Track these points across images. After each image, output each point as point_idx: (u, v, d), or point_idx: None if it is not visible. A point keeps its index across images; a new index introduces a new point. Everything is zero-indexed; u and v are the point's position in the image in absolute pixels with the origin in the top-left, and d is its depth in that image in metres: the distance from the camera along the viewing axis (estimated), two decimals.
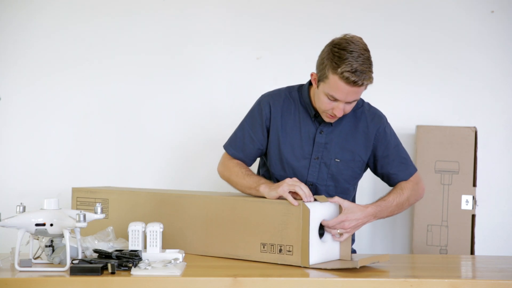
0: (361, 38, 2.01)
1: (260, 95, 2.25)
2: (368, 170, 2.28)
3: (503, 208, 2.98)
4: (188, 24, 3.02)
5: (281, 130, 2.17)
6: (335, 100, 2.01)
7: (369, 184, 2.95)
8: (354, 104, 2.06)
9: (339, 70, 1.94)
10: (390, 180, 2.21)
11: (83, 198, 2.11)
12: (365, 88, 2.03)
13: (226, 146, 2.25)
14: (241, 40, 3.03)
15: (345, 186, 2.19)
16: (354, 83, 1.94)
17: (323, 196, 1.91)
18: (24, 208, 1.79)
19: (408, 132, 2.93)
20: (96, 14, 3.00)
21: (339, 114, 2.04)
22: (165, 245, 2.00)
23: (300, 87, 2.23)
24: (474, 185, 2.79)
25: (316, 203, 1.86)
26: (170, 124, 3.02)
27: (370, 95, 2.32)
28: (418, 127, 2.86)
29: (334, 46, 1.98)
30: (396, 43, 3.02)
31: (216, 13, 3.03)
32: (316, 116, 2.16)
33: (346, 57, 1.94)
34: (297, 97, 2.20)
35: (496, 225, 2.96)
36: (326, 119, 2.11)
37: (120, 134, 3.02)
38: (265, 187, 1.96)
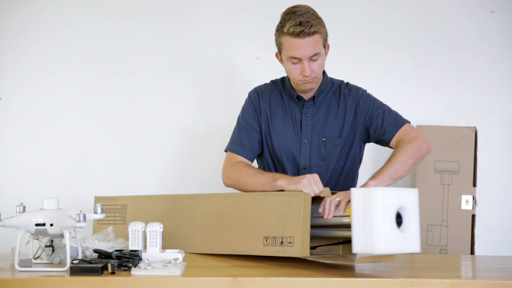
0: (308, 6, 2.11)
1: None
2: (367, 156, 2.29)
3: (503, 208, 2.98)
4: (188, 24, 3.02)
5: (270, 118, 2.24)
6: (298, 61, 2.08)
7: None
8: (320, 61, 2.10)
9: (285, 29, 2.06)
10: (385, 138, 2.17)
11: (104, 206, 2.14)
12: (324, 42, 2.09)
13: (228, 147, 2.28)
14: (241, 40, 3.03)
15: (336, 164, 2.22)
16: (302, 33, 2.03)
17: (327, 189, 1.90)
18: (24, 208, 1.79)
19: None
20: (96, 15, 3.00)
21: (307, 72, 2.09)
22: (171, 245, 2.01)
23: (282, 78, 2.31)
24: (474, 185, 2.79)
25: (390, 189, 1.74)
26: (170, 125, 3.02)
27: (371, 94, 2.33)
28: (418, 127, 2.85)
29: (281, 17, 2.11)
30: (396, 43, 3.02)
31: (216, 13, 3.03)
32: (299, 99, 2.22)
33: (289, 17, 2.06)
34: (281, 87, 2.28)
35: (496, 225, 2.96)
36: (306, 86, 2.15)
37: (121, 135, 3.01)
38: (283, 180, 1.94)
